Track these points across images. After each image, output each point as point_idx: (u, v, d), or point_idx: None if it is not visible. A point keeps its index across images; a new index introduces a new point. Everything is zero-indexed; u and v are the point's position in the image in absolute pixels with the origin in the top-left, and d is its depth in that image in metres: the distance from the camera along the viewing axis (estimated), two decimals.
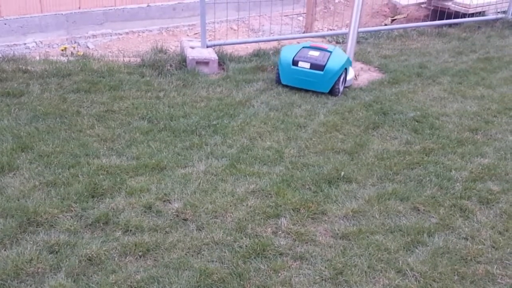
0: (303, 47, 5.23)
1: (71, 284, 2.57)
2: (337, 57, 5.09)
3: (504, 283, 2.75)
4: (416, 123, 4.50)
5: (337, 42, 6.98)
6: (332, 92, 5.05)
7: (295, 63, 5.08)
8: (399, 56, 6.28)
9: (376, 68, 5.87)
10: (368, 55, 6.23)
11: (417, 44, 6.81)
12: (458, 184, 3.61)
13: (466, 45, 6.77)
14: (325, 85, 5.03)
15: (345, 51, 5.64)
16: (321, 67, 4.99)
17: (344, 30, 7.07)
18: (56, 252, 2.78)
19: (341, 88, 5.10)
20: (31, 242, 2.83)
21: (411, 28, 7.37)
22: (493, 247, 3.01)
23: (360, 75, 5.63)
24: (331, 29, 7.90)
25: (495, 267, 2.84)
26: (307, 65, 5.03)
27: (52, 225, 2.98)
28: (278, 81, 5.24)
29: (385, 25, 8.10)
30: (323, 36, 7.12)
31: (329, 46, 5.26)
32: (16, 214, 3.02)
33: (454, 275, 2.77)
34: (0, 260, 2.69)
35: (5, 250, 2.78)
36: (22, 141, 3.80)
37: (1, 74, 4.92)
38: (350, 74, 5.33)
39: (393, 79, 5.49)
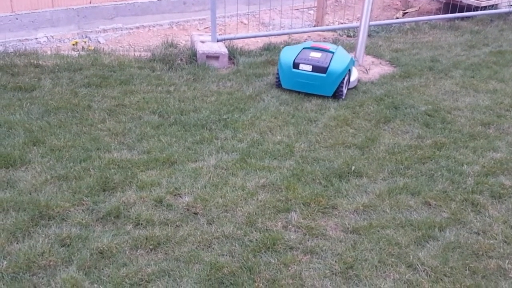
0: (303, 48, 4.96)
1: (82, 277, 2.59)
2: (340, 58, 4.83)
3: None
4: (428, 117, 4.47)
5: (348, 36, 6.95)
6: (336, 95, 4.79)
7: (296, 66, 4.80)
8: (411, 49, 6.23)
9: (388, 62, 5.83)
10: (380, 49, 6.19)
11: (429, 38, 6.75)
12: (470, 178, 3.58)
13: (479, 39, 6.70)
14: (328, 88, 4.77)
15: (356, 45, 5.61)
16: (323, 70, 4.73)
17: (355, 24, 7.03)
18: (68, 245, 2.80)
19: (344, 91, 4.85)
20: (43, 236, 2.85)
21: (423, 21, 7.31)
22: (505, 242, 2.98)
23: (371, 69, 5.60)
24: (342, 23, 7.86)
25: (507, 262, 2.82)
26: (309, 68, 4.77)
27: (63, 219, 3.00)
28: (278, 85, 4.96)
29: (397, 18, 8.05)
30: (334, 30, 7.08)
31: (331, 46, 5.00)
32: (28, 207, 3.05)
33: (466, 270, 2.76)
34: (12, 253, 2.72)
35: (17, 243, 2.80)
36: (34, 135, 3.83)
37: (13, 69, 4.95)
38: (354, 75, 5.06)
39: (404, 73, 5.46)
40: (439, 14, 7.58)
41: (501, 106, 4.75)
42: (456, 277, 2.71)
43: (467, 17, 7.47)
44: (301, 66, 4.80)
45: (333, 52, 4.88)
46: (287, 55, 4.93)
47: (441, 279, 2.69)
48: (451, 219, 3.16)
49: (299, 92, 4.88)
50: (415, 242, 2.95)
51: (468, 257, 2.85)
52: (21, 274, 2.60)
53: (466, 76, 5.45)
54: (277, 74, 4.98)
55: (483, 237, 3.02)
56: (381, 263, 2.78)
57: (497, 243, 2.97)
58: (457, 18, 7.41)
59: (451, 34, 6.91)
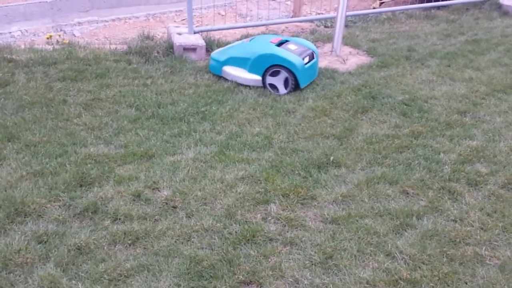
0: (277, 46, 4.80)
1: (60, 274, 2.56)
2: (305, 42, 5.06)
3: (493, 264, 2.77)
4: (405, 106, 4.50)
5: (325, 26, 6.95)
6: None
7: (305, 62, 4.74)
8: (388, 39, 6.26)
9: (365, 52, 5.85)
10: (357, 39, 6.20)
11: (406, 27, 6.79)
12: (446, 166, 3.62)
13: (454, 28, 6.76)
14: (316, 71, 5.02)
15: (333, 35, 5.63)
16: (313, 56, 4.89)
17: (332, 14, 7.02)
18: (45, 242, 2.76)
19: None
20: (19, 233, 2.81)
21: (399, 11, 7.35)
22: (482, 229, 3.03)
23: (349, 59, 5.61)
24: (319, 13, 7.85)
25: (483, 249, 2.86)
26: (307, 59, 4.78)
27: (40, 215, 2.96)
28: (295, 88, 4.73)
29: (374, 8, 8.07)
30: (311, 21, 7.07)
31: (282, 37, 5.11)
32: (4, 204, 3.00)
33: (443, 257, 2.79)
34: None
35: None
36: (9, 131, 3.76)
37: None
38: None
39: (381, 62, 5.48)
40: (415, 4, 7.61)
41: (477, 94, 4.80)
42: (434, 264, 2.74)
43: (443, 6, 7.52)
44: (305, 60, 4.77)
45: (293, 40, 5.06)
46: (290, 56, 4.67)
47: (419, 267, 2.72)
48: (429, 207, 3.19)
49: None
50: (393, 231, 2.97)
51: (445, 244, 2.89)
52: None
53: (442, 65, 5.50)
54: (292, 80, 4.68)
55: (460, 224, 3.06)
56: (360, 253, 2.80)
57: (474, 230, 3.01)
58: (433, 7, 7.46)
59: (427, 23, 6.96)
